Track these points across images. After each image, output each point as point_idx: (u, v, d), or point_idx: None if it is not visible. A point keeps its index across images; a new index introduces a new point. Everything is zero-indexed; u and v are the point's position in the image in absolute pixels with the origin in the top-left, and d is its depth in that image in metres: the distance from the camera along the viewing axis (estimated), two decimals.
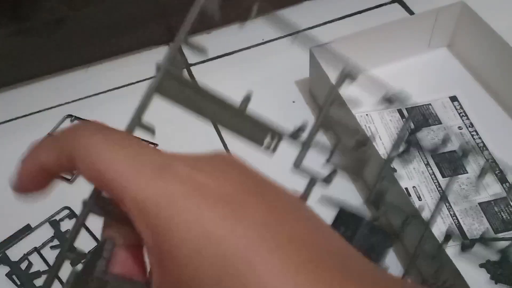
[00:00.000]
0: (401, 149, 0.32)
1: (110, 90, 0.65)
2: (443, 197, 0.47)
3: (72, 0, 0.60)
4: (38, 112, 0.63)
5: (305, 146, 0.24)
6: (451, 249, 0.47)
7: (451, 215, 0.50)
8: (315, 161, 0.25)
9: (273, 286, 0.15)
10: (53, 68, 0.67)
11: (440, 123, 0.58)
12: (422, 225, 0.43)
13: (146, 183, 0.17)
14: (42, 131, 0.61)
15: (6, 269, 0.49)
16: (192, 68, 0.67)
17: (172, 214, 0.17)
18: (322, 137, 0.25)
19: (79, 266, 0.22)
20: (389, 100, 0.29)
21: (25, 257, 0.50)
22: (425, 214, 0.50)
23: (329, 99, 0.25)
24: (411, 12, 0.70)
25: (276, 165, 0.32)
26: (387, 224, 0.26)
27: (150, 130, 0.22)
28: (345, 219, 0.25)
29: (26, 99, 0.65)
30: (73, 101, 0.64)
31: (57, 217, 0.53)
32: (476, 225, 0.49)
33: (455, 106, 0.59)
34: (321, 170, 0.25)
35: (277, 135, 0.23)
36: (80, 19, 0.62)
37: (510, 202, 0.50)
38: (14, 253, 0.50)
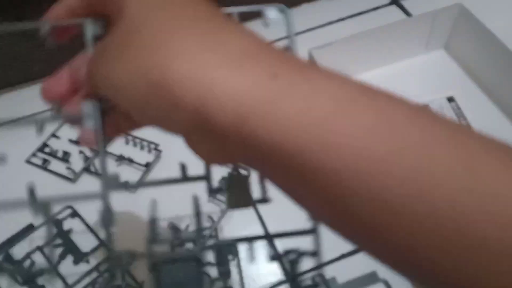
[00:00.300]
0: None
1: None
2: None
3: None
4: (42, 112, 0.64)
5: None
6: None
7: None
8: None
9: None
10: (54, 69, 0.67)
11: None
12: None
13: None
14: (45, 132, 0.61)
15: (10, 267, 0.50)
16: None
17: None
18: None
19: None
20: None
21: (28, 256, 0.50)
22: None
23: None
24: (408, 14, 0.71)
25: None
26: None
27: None
28: None
29: (29, 99, 0.66)
30: None
31: (60, 216, 0.53)
32: None
33: (452, 107, 0.60)
34: None
35: None
36: None
37: None
38: (17, 252, 0.51)
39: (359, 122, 0.18)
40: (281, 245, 0.51)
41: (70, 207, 0.54)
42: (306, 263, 0.49)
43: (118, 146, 0.59)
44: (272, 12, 0.28)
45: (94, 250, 0.50)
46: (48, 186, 0.56)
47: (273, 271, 0.48)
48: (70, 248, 0.51)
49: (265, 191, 0.31)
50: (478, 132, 0.19)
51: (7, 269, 0.49)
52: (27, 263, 0.50)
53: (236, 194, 0.40)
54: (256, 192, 0.33)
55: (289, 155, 0.18)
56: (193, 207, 0.30)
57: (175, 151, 0.58)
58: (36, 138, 0.61)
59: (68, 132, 0.61)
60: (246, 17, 0.28)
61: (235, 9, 0.28)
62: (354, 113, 0.18)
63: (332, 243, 0.51)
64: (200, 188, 0.55)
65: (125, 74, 0.20)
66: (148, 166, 0.56)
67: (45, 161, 0.58)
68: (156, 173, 0.56)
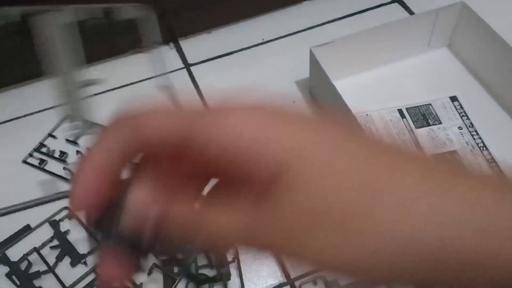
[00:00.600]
0: None
1: (110, 90, 0.65)
2: None
3: (72, 0, 0.60)
4: (37, 112, 0.63)
5: None
6: None
7: None
8: None
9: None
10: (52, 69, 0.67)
11: (440, 123, 0.58)
12: None
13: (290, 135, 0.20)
14: (42, 131, 0.61)
15: (6, 269, 0.49)
16: (192, 68, 0.67)
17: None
18: None
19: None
20: None
21: (24, 257, 0.50)
22: None
23: None
24: (411, 12, 0.70)
25: None
26: None
27: None
28: None
29: (25, 99, 0.65)
30: None
31: (57, 217, 0.53)
32: None
33: (455, 106, 0.59)
34: None
35: None
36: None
37: None
38: (14, 253, 0.50)
39: None
40: None
41: (67, 208, 0.53)
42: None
43: None
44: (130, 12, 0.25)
45: (91, 251, 0.50)
46: (45, 186, 0.56)
47: (273, 274, 0.47)
48: (68, 250, 0.50)
49: None
50: None
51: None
52: (23, 264, 0.49)
53: None
54: None
55: None
56: None
57: None
58: (32, 138, 0.60)
59: (65, 132, 0.61)
60: None
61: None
62: None
63: None
64: None
65: (352, 248, 0.19)
66: None
67: (42, 161, 0.57)
68: None
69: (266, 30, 0.70)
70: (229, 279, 0.46)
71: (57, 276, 0.48)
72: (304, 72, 0.62)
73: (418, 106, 0.59)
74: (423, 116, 0.58)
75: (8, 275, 0.49)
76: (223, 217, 0.20)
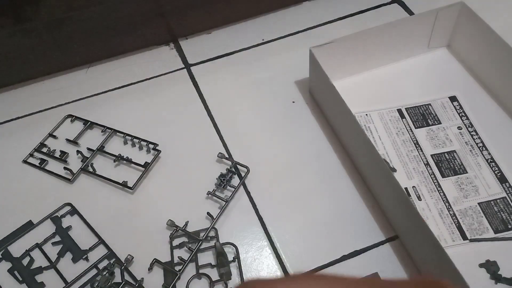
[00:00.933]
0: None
1: (110, 90, 0.65)
2: None
3: (72, 0, 0.60)
4: (38, 112, 0.64)
5: None
6: (451, 249, 0.47)
7: (450, 215, 0.50)
8: None
9: None
10: (53, 68, 0.67)
11: (440, 123, 0.58)
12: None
13: None
14: (42, 131, 0.61)
15: (8, 265, 0.49)
16: (192, 68, 0.67)
17: None
18: None
19: None
20: None
21: (27, 253, 0.50)
22: (426, 214, 0.50)
23: None
24: (410, 13, 0.70)
25: None
26: None
27: None
28: None
29: (26, 99, 0.65)
30: (73, 101, 0.64)
31: (59, 214, 0.53)
32: (475, 225, 0.49)
33: (454, 106, 0.59)
34: None
35: None
36: (80, 19, 0.62)
37: (510, 202, 0.51)
38: (16, 249, 0.51)
39: None
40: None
41: (69, 204, 0.53)
42: (306, 264, 0.48)
43: (117, 146, 0.59)
44: None
45: (93, 247, 0.50)
46: (46, 186, 0.56)
47: (273, 273, 0.47)
48: (69, 246, 0.50)
49: None
50: None
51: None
52: (26, 260, 0.50)
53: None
54: None
55: None
56: None
57: (174, 151, 0.58)
58: (33, 138, 0.60)
59: (65, 132, 0.61)
60: None
61: None
62: None
63: (333, 244, 0.51)
64: (200, 188, 0.54)
65: None
66: (146, 166, 0.55)
67: (42, 161, 0.58)
68: (155, 173, 0.56)
69: (266, 30, 0.70)
70: (230, 279, 0.47)
71: (59, 271, 0.49)
72: (304, 72, 0.62)
73: (417, 106, 0.59)
74: (422, 116, 0.58)
75: (11, 271, 0.49)
76: None
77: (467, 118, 0.58)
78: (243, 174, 0.54)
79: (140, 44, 0.69)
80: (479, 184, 0.52)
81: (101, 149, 0.58)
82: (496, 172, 0.53)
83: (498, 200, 0.51)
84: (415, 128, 0.57)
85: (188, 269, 0.48)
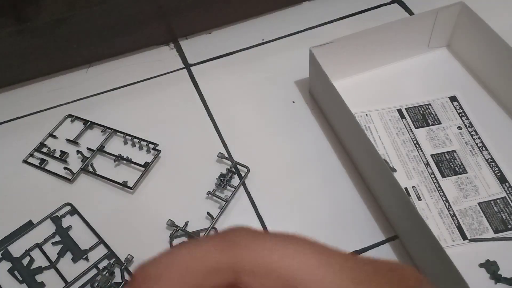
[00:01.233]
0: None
1: (110, 90, 0.65)
2: None
3: (72, 0, 0.60)
4: (38, 112, 0.64)
5: None
6: (451, 249, 0.47)
7: (450, 215, 0.50)
8: None
9: None
10: (53, 68, 0.67)
11: (440, 123, 0.58)
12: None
13: None
14: (42, 131, 0.61)
15: (8, 264, 0.49)
16: (192, 68, 0.67)
17: None
18: None
19: None
20: None
21: (27, 253, 0.50)
22: (426, 214, 0.50)
23: None
24: (410, 13, 0.70)
25: None
26: None
27: None
28: None
29: (26, 99, 0.65)
30: (73, 101, 0.64)
31: (59, 214, 0.53)
32: (475, 225, 0.49)
33: (454, 106, 0.59)
34: None
35: None
36: (80, 19, 0.62)
37: (510, 202, 0.51)
38: (16, 249, 0.51)
39: None
40: None
41: (69, 204, 0.53)
42: None
43: (117, 146, 0.59)
44: None
45: (93, 247, 0.50)
46: (46, 186, 0.56)
47: None
48: (69, 246, 0.50)
49: None
50: None
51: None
52: (26, 260, 0.50)
53: None
54: None
55: None
56: None
57: (174, 151, 0.58)
58: (33, 138, 0.60)
59: (65, 131, 0.61)
60: None
61: None
62: None
63: (333, 244, 0.51)
64: (200, 188, 0.54)
65: None
66: (146, 166, 0.55)
67: (42, 161, 0.58)
68: (155, 173, 0.56)
69: (266, 30, 0.70)
70: None
71: (59, 271, 0.49)
72: (304, 72, 0.62)
73: (417, 106, 0.59)
74: (422, 116, 0.58)
75: (11, 271, 0.49)
76: None
77: (467, 118, 0.58)
78: (243, 174, 0.55)
79: (140, 44, 0.69)
80: (479, 184, 0.52)
81: (101, 149, 0.58)
82: (496, 172, 0.53)
83: (498, 200, 0.51)
84: (415, 128, 0.57)
85: None
